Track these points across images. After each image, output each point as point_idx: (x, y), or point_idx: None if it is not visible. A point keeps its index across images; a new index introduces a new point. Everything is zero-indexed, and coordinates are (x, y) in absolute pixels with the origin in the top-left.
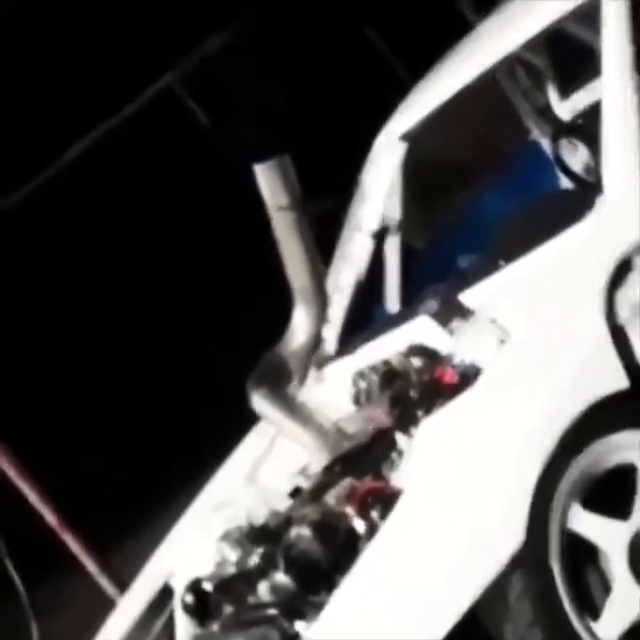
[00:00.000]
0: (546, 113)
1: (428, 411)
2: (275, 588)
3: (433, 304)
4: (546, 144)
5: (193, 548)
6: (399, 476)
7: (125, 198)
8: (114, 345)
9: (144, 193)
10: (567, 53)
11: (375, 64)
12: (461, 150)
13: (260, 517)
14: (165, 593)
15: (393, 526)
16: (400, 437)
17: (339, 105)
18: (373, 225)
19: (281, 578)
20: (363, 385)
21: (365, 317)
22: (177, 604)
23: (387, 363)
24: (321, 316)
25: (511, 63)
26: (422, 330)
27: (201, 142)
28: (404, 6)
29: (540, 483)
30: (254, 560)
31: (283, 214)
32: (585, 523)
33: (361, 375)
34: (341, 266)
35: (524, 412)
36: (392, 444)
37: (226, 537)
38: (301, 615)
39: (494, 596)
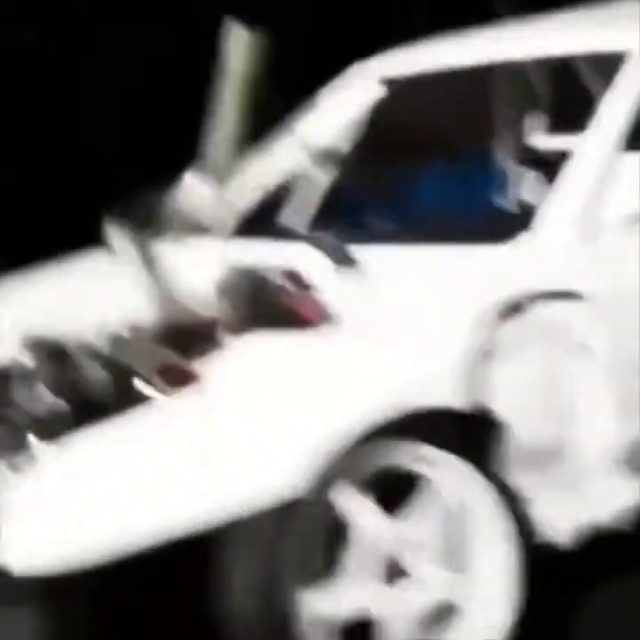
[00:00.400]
0: (519, 132)
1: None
2: (41, 404)
3: (330, 241)
4: (501, 159)
5: None
6: (206, 367)
7: None
8: None
9: None
10: (571, 90)
11: None
12: (422, 124)
13: (69, 339)
14: None
15: (171, 406)
16: (229, 340)
17: None
18: (315, 143)
19: (51, 398)
20: (233, 282)
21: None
22: None
23: (262, 276)
24: (217, 190)
25: (513, 74)
26: (308, 259)
27: None
28: None
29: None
30: (43, 373)
31: (234, 81)
32: (350, 502)
33: (235, 271)
34: (262, 162)
35: (355, 375)
36: (220, 344)
37: (28, 340)
38: (43, 434)
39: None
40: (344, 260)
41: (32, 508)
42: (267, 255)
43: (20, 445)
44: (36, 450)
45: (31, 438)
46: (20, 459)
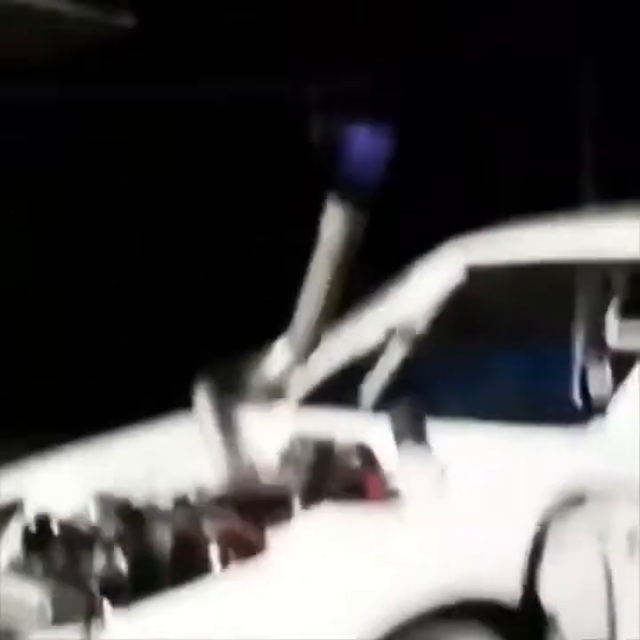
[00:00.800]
0: (596, 328)
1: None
2: (109, 566)
3: (400, 408)
4: (579, 352)
5: (63, 483)
6: (274, 538)
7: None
8: None
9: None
10: None
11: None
12: (505, 312)
13: (136, 499)
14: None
15: (238, 575)
16: (298, 511)
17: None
18: (394, 324)
19: (119, 560)
20: (297, 451)
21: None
22: (16, 523)
23: (328, 446)
24: (300, 360)
25: (600, 269)
26: (378, 434)
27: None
28: None
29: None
30: (109, 531)
31: (327, 258)
32: None
33: (302, 443)
34: (344, 336)
35: (408, 564)
36: (289, 514)
37: (97, 496)
38: (115, 602)
39: None
40: (416, 437)
41: None
42: (338, 426)
43: (91, 610)
44: (108, 615)
45: (104, 603)
46: (93, 624)
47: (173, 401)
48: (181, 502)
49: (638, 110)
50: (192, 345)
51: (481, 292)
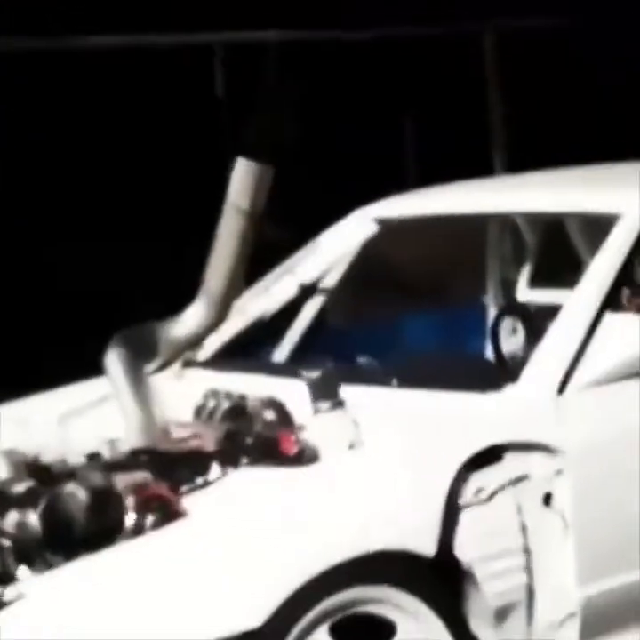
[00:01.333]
0: (509, 288)
1: (252, 462)
2: (21, 524)
3: (315, 375)
4: (492, 312)
5: None
6: (191, 501)
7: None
8: None
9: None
10: (560, 250)
11: (393, 143)
12: (417, 269)
13: (48, 456)
14: None
15: (158, 540)
16: (214, 468)
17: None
18: (307, 278)
19: (32, 518)
20: (210, 404)
21: (248, 351)
22: None
23: (242, 398)
24: (213, 323)
25: (506, 224)
26: (291, 391)
27: (198, 109)
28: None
29: (299, 591)
30: (20, 489)
31: (235, 215)
32: None
33: (214, 394)
34: (258, 295)
35: (324, 518)
36: (204, 470)
37: (8, 453)
38: (29, 562)
39: None
40: (330, 396)
41: None
42: (251, 382)
43: (7, 575)
44: (24, 581)
45: (20, 569)
46: (7, 591)
47: (86, 368)
48: (94, 458)
49: None
50: (102, 310)
51: (393, 249)
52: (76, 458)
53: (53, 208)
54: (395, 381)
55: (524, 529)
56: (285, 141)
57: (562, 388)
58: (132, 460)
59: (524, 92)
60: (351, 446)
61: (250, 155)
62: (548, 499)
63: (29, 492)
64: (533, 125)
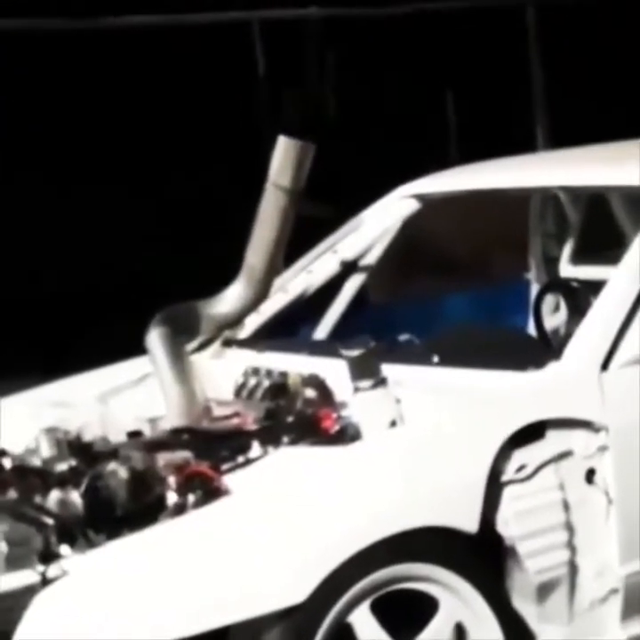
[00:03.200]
0: (552, 264)
1: (293, 440)
2: (63, 503)
3: (356, 354)
4: (535, 289)
5: (14, 421)
6: (234, 479)
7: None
8: None
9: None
10: (603, 225)
11: (435, 119)
12: (459, 246)
13: (89, 435)
14: None
15: (201, 518)
16: (255, 447)
17: (379, 135)
18: (348, 256)
19: (74, 497)
20: (251, 382)
21: (289, 329)
22: None
23: (283, 375)
24: (254, 301)
25: (548, 200)
26: (332, 369)
27: (243, 87)
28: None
29: (341, 567)
30: (62, 467)
31: (276, 193)
32: (362, 622)
33: (254, 372)
34: (299, 273)
35: (367, 495)
36: (245, 449)
37: (50, 431)
38: (71, 541)
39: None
40: (371, 376)
41: (62, 623)
42: (292, 359)
43: (49, 553)
44: (67, 559)
45: (63, 547)
46: (50, 569)
47: (128, 347)
48: (135, 437)
49: None
50: (145, 289)
51: (434, 226)
52: (118, 437)
53: (97, 183)
54: (436, 359)
55: (566, 505)
56: (326, 119)
57: (605, 364)
58: (173, 439)
59: (567, 66)
60: (393, 424)
61: (290, 132)
62: (590, 475)
63: (71, 470)
64: (576, 99)
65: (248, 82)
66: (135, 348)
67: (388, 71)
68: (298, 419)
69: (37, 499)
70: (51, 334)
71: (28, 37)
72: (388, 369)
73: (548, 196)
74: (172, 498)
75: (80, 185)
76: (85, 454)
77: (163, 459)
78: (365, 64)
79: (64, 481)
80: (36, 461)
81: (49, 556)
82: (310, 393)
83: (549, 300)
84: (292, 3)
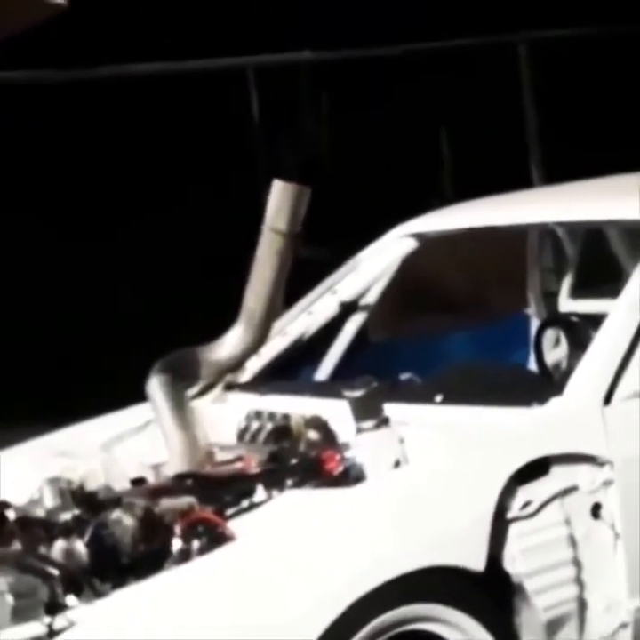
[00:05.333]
0: (551, 299)
1: (297, 483)
2: (68, 553)
3: (358, 394)
4: (534, 324)
5: (18, 472)
6: (238, 525)
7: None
8: None
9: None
10: (601, 258)
11: (426, 159)
12: (458, 284)
13: (93, 484)
14: None
15: (206, 564)
16: (259, 491)
17: (374, 175)
18: (348, 296)
19: (79, 547)
20: (253, 426)
21: (290, 372)
22: None
23: (285, 418)
24: (254, 345)
25: (546, 235)
26: (335, 410)
27: (234, 131)
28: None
29: (348, 611)
30: (66, 517)
31: (273, 237)
32: None
33: (257, 415)
34: (299, 315)
35: (374, 536)
36: (249, 493)
37: (54, 481)
38: (77, 591)
39: None
40: (373, 417)
41: None
42: (294, 402)
43: (56, 604)
44: (73, 610)
45: (69, 598)
46: (57, 620)
47: (129, 394)
48: (139, 484)
49: None
50: (144, 336)
51: (432, 265)
52: (122, 484)
53: (91, 233)
54: (438, 398)
55: (573, 541)
56: (320, 162)
57: (607, 398)
58: (177, 485)
59: (560, 101)
60: (397, 464)
61: (286, 176)
62: (596, 510)
63: (76, 520)
64: (570, 134)
65: (243, 126)
66: (137, 394)
67: (382, 111)
68: (301, 461)
69: (42, 549)
70: (51, 383)
71: (24, 89)
72: (390, 408)
73: (545, 232)
74: (176, 544)
75: (77, 229)
76: (89, 503)
77: (167, 505)
78: (359, 104)
79: (68, 531)
80: (39, 512)
81: (55, 607)
82: (313, 435)
83: (550, 334)
84: (286, 47)
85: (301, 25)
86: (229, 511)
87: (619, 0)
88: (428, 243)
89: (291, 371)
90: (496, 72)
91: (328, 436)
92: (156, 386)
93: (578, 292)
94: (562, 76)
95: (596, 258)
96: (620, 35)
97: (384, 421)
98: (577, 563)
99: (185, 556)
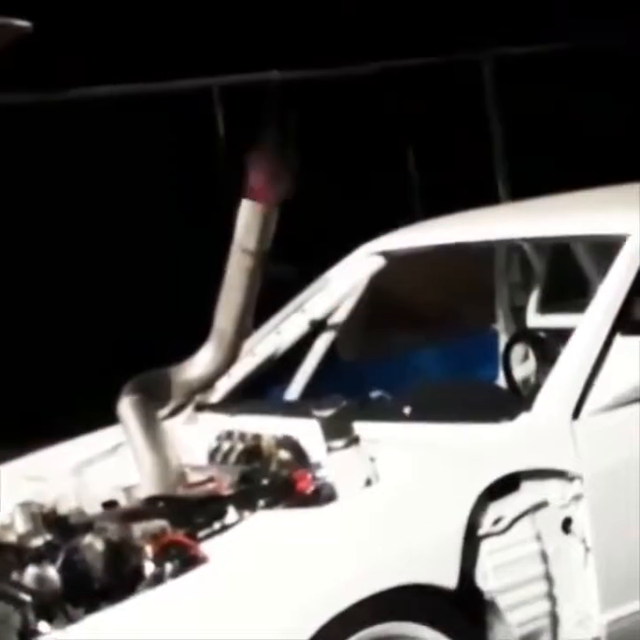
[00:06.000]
0: (519, 314)
1: (269, 504)
2: (40, 578)
3: (328, 414)
4: (503, 340)
5: None
6: (210, 546)
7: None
8: None
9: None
10: (568, 273)
11: (397, 175)
12: (427, 301)
13: (65, 508)
14: None
15: (179, 587)
16: (231, 512)
17: (340, 193)
18: (317, 315)
19: (51, 572)
20: (225, 446)
21: (261, 391)
22: None
23: (256, 438)
24: (224, 365)
25: (513, 251)
26: (305, 430)
27: (202, 150)
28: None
29: (321, 631)
30: (38, 542)
31: (242, 256)
32: None
33: (228, 436)
34: (268, 334)
35: (346, 555)
36: (220, 514)
37: (25, 506)
38: (49, 617)
39: None
40: (343, 435)
41: None
42: (264, 421)
43: (28, 630)
44: (46, 637)
45: (42, 624)
46: None
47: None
48: (110, 507)
49: None
50: (113, 357)
51: (400, 282)
52: (93, 507)
53: (54, 259)
54: (408, 415)
55: (544, 556)
56: (288, 181)
57: (576, 413)
58: (149, 508)
59: (525, 118)
60: (368, 483)
61: (253, 196)
62: (567, 524)
63: (47, 545)
64: (535, 151)
65: (209, 146)
66: (108, 417)
67: (348, 130)
68: (273, 481)
69: (14, 575)
70: (22, 407)
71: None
72: (360, 426)
73: (512, 247)
74: (149, 568)
75: (45, 257)
76: (61, 528)
77: (139, 528)
78: (326, 124)
79: (40, 556)
80: (11, 537)
81: (28, 634)
82: (284, 454)
83: (518, 349)
84: (253, 67)
85: (269, 45)
86: (201, 533)
87: (580, 17)
88: (395, 260)
89: (261, 390)
90: (461, 90)
91: (299, 456)
92: (126, 407)
93: (545, 306)
94: (526, 92)
95: (563, 273)
96: (583, 50)
97: (354, 440)
98: (549, 578)
99: (157, 579)
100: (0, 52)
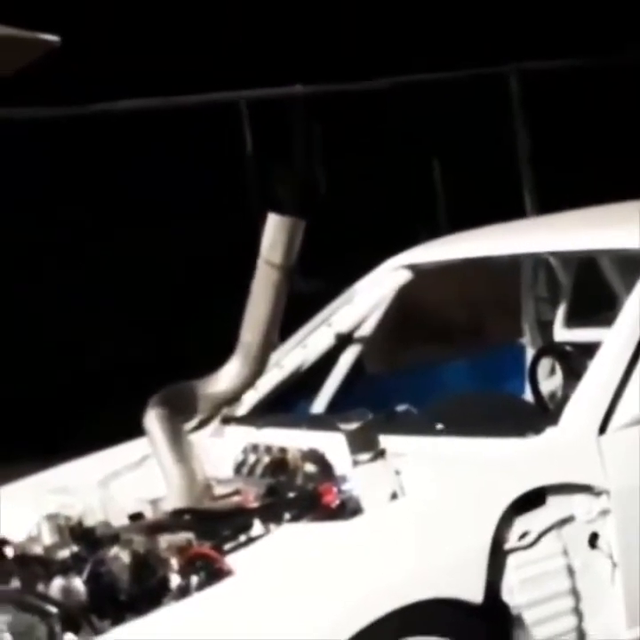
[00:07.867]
0: (546, 328)
1: (295, 517)
2: (66, 590)
3: (354, 427)
4: (529, 354)
5: (16, 509)
6: (236, 559)
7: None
8: None
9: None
10: (594, 287)
11: (419, 189)
12: (453, 314)
13: (91, 520)
14: None
15: (205, 600)
16: (257, 525)
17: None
18: (343, 328)
19: (78, 584)
20: (251, 459)
21: (287, 404)
22: None
23: (282, 451)
24: (251, 378)
25: (539, 265)
26: (331, 443)
27: (231, 166)
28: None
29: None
30: (64, 554)
31: (269, 270)
32: None
33: (254, 449)
34: (295, 348)
35: (371, 569)
36: (247, 527)
37: (51, 518)
38: (76, 629)
39: None
40: (369, 449)
41: None
42: (290, 434)
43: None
44: None
45: (68, 636)
46: None
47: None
48: (137, 519)
49: None
50: (140, 370)
51: (427, 296)
52: (120, 520)
53: (88, 266)
54: (434, 429)
55: (571, 571)
56: (315, 195)
57: (603, 427)
58: (175, 521)
59: (552, 131)
60: (393, 496)
61: (280, 209)
62: (593, 540)
63: (74, 557)
64: (562, 164)
65: (237, 160)
66: (134, 429)
67: (375, 143)
68: (299, 494)
69: (40, 587)
70: (50, 420)
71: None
72: (386, 440)
73: (539, 261)
74: (175, 580)
75: (67, 270)
76: (87, 540)
77: (165, 541)
78: (352, 137)
79: (66, 568)
80: (38, 549)
81: None
82: (310, 468)
83: (545, 364)
84: (278, 81)
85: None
86: (227, 546)
87: (604, 32)
88: (422, 274)
89: (287, 404)
90: (487, 103)
91: (325, 469)
92: (153, 420)
93: (572, 320)
94: (552, 105)
95: (590, 287)
96: (607, 65)
97: (380, 454)
98: (575, 593)
99: (183, 591)
100: (29, 65)
